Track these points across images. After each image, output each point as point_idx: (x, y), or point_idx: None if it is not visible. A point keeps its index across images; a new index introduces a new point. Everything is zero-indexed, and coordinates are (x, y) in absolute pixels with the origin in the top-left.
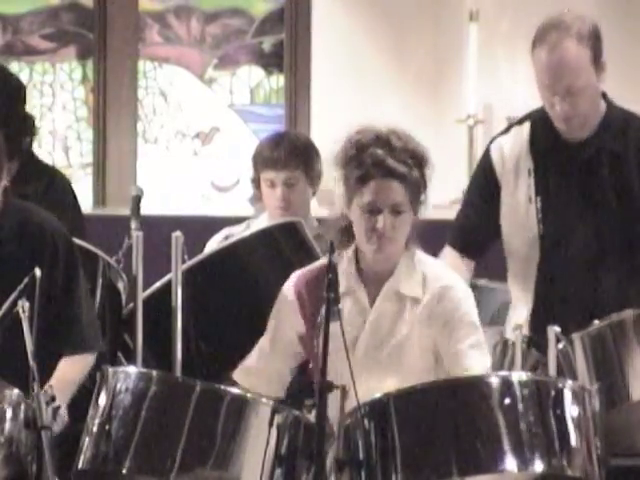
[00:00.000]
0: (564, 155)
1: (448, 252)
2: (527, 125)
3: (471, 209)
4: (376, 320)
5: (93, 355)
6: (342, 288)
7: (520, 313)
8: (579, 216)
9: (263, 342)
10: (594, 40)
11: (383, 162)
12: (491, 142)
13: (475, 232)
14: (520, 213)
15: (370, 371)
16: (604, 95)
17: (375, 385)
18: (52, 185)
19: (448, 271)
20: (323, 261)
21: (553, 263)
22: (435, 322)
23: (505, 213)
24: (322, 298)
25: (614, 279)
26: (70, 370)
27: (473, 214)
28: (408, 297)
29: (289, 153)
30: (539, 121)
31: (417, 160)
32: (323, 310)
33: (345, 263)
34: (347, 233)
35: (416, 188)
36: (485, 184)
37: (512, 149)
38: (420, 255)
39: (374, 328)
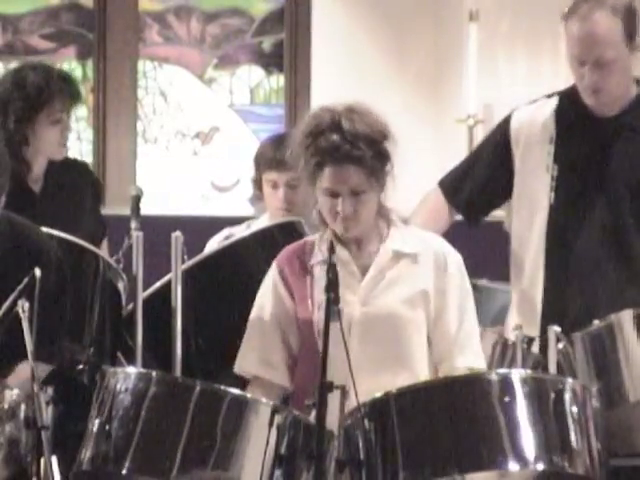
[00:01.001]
0: (589, 128)
1: (434, 191)
2: (555, 98)
3: (473, 171)
4: (373, 280)
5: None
6: (321, 257)
7: (519, 314)
8: (594, 191)
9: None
10: (629, 15)
11: (336, 148)
12: (515, 110)
13: (470, 192)
14: (534, 183)
15: (366, 342)
16: (638, 81)
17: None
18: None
19: (444, 240)
20: (307, 238)
21: (560, 240)
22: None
23: (518, 184)
24: (304, 268)
25: (620, 271)
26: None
27: (474, 177)
28: (405, 255)
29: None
30: (568, 96)
31: (370, 139)
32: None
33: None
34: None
35: (374, 166)
36: (497, 152)
37: (535, 117)
38: (404, 224)
39: (371, 288)
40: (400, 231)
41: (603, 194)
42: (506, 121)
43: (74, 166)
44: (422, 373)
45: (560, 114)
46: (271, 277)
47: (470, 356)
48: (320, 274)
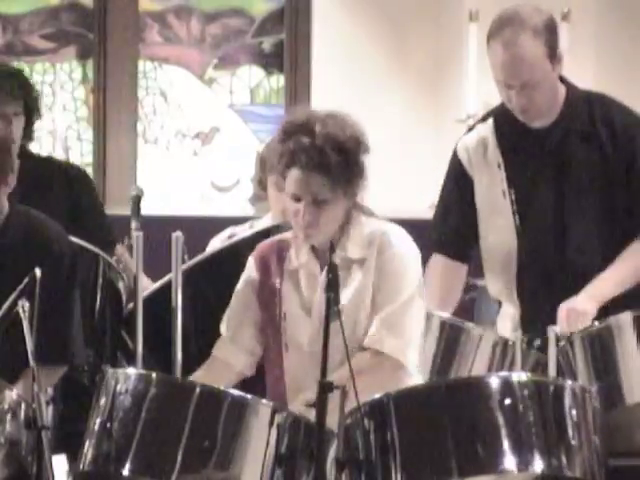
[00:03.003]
0: (532, 143)
1: (439, 259)
2: (490, 121)
3: (450, 212)
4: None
5: (64, 368)
6: (298, 263)
7: (508, 319)
8: (555, 203)
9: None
10: (549, 32)
11: (303, 151)
12: (457, 144)
13: (458, 234)
14: (495, 208)
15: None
16: (562, 79)
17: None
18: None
19: (394, 227)
20: (285, 234)
21: (532, 255)
22: (370, 274)
23: (481, 210)
24: (276, 268)
25: (601, 266)
26: (43, 379)
27: (453, 216)
28: (354, 260)
29: None
30: (502, 115)
31: (339, 147)
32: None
33: (298, 242)
34: None
35: (341, 176)
36: (459, 185)
37: (478, 145)
38: (363, 219)
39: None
40: (350, 236)
41: (567, 204)
42: (454, 155)
43: (47, 164)
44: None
45: (500, 136)
46: (247, 269)
47: (373, 335)
48: (289, 283)
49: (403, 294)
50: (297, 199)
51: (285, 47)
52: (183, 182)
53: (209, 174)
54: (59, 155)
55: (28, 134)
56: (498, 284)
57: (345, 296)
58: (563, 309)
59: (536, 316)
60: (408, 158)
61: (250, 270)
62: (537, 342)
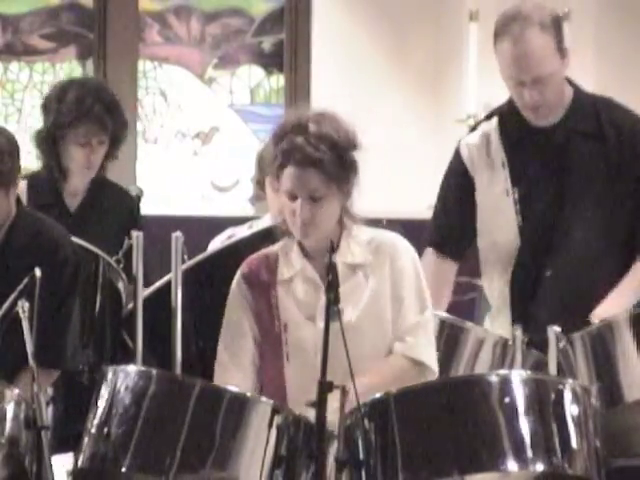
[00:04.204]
0: (536, 142)
1: (430, 254)
2: (495, 120)
3: (449, 210)
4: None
5: (57, 372)
6: (292, 271)
7: (502, 320)
8: (557, 203)
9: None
10: (556, 27)
11: (297, 149)
12: (460, 142)
13: (455, 232)
14: (498, 207)
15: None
16: (569, 81)
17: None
18: None
19: (389, 232)
20: (270, 248)
21: (533, 255)
22: (385, 280)
23: (482, 209)
24: (267, 281)
25: (602, 269)
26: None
27: (452, 214)
28: (357, 266)
29: None
30: (506, 114)
31: (333, 144)
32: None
33: (294, 245)
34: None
35: (336, 173)
36: (460, 184)
37: (481, 144)
38: (357, 229)
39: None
40: (349, 241)
41: (570, 205)
42: (457, 153)
43: (123, 196)
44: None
45: (504, 135)
46: (236, 285)
47: (410, 343)
48: (285, 294)
49: (426, 300)
50: (293, 197)
51: (285, 47)
52: (183, 182)
53: (209, 174)
54: None
55: (111, 155)
56: (498, 283)
57: (357, 303)
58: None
59: (533, 316)
60: (407, 158)
61: (240, 288)
62: (535, 340)
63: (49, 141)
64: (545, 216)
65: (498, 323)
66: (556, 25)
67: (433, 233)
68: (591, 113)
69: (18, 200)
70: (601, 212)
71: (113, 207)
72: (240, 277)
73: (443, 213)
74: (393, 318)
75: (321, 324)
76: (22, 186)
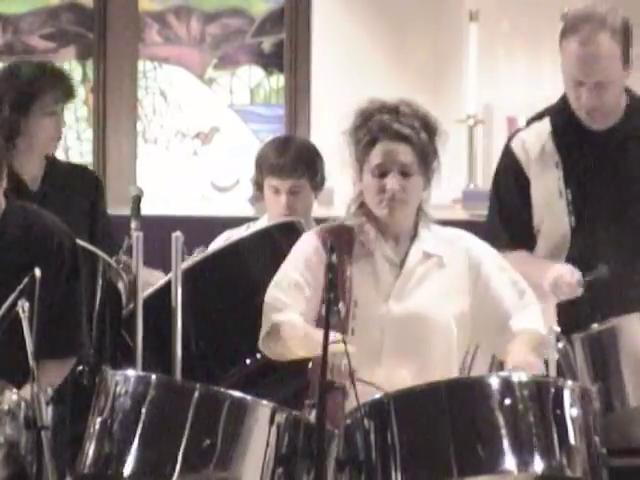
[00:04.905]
0: (591, 145)
1: (522, 253)
2: (547, 120)
3: (514, 210)
4: (406, 277)
5: (75, 358)
6: (371, 249)
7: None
8: (612, 205)
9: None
10: (625, 34)
11: (389, 125)
12: (511, 138)
13: (530, 228)
14: (550, 208)
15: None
16: (625, 87)
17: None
18: None
19: (467, 232)
20: (344, 222)
21: (585, 255)
22: (461, 275)
23: (536, 206)
24: (344, 253)
25: None
26: (55, 373)
27: (520, 213)
28: (433, 255)
29: (295, 161)
30: (559, 115)
31: (425, 125)
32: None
33: (371, 228)
34: (362, 206)
35: (425, 151)
36: (515, 180)
37: (535, 143)
38: (434, 226)
39: (405, 285)
40: (429, 232)
41: (623, 208)
42: (509, 152)
43: (75, 170)
44: (438, 372)
45: (558, 136)
46: (314, 253)
47: (523, 316)
48: (359, 270)
49: (519, 283)
50: (383, 174)
51: (285, 47)
52: (183, 182)
53: (209, 174)
54: (59, 155)
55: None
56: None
57: (427, 291)
58: None
59: (576, 321)
60: None
61: (317, 249)
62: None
63: (6, 127)
64: (599, 218)
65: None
66: (626, 32)
67: (508, 236)
68: None
69: (7, 195)
70: None
71: (72, 183)
72: (317, 241)
73: (509, 214)
74: (491, 309)
75: (395, 306)
76: None
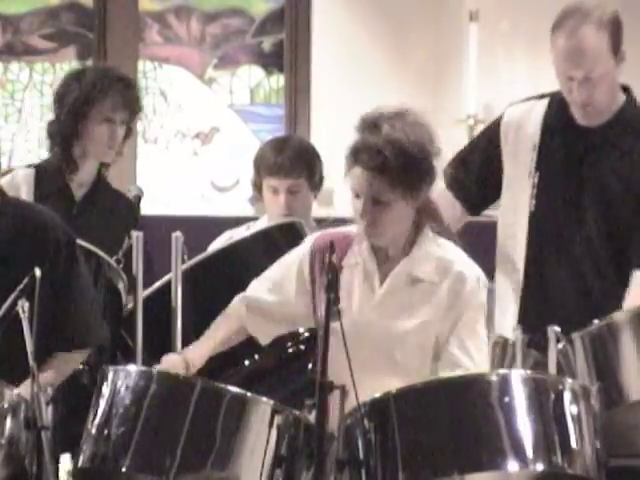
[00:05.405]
0: (572, 138)
1: (443, 192)
2: (545, 101)
3: (474, 162)
4: (384, 297)
5: (88, 350)
6: (358, 259)
7: (508, 315)
8: (571, 202)
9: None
10: (614, 28)
11: (365, 151)
12: (510, 105)
13: (473, 186)
14: (520, 186)
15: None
16: (626, 89)
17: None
18: None
19: (467, 258)
20: (348, 228)
21: (540, 246)
22: (449, 313)
23: (506, 184)
24: (331, 264)
25: (600, 279)
26: (64, 367)
27: (477, 167)
28: (420, 281)
29: (293, 161)
30: (557, 101)
31: (405, 150)
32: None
33: (361, 241)
34: None
35: (403, 179)
36: (488, 149)
37: (524, 119)
38: (440, 240)
39: (381, 304)
40: (422, 251)
41: (579, 205)
42: (500, 116)
43: (122, 199)
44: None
45: (546, 121)
46: (302, 253)
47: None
48: (348, 277)
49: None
50: (357, 196)
51: (285, 47)
52: (183, 182)
53: (209, 174)
54: None
55: (128, 134)
56: (513, 276)
57: (409, 319)
58: None
59: (537, 314)
60: None
61: (303, 253)
62: (536, 340)
63: (64, 129)
64: (558, 208)
65: (507, 322)
66: (614, 26)
67: (454, 178)
68: (634, 129)
69: (1, 191)
70: (615, 221)
71: (113, 205)
72: (308, 250)
73: (468, 160)
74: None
75: (357, 316)
76: (30, 175)
